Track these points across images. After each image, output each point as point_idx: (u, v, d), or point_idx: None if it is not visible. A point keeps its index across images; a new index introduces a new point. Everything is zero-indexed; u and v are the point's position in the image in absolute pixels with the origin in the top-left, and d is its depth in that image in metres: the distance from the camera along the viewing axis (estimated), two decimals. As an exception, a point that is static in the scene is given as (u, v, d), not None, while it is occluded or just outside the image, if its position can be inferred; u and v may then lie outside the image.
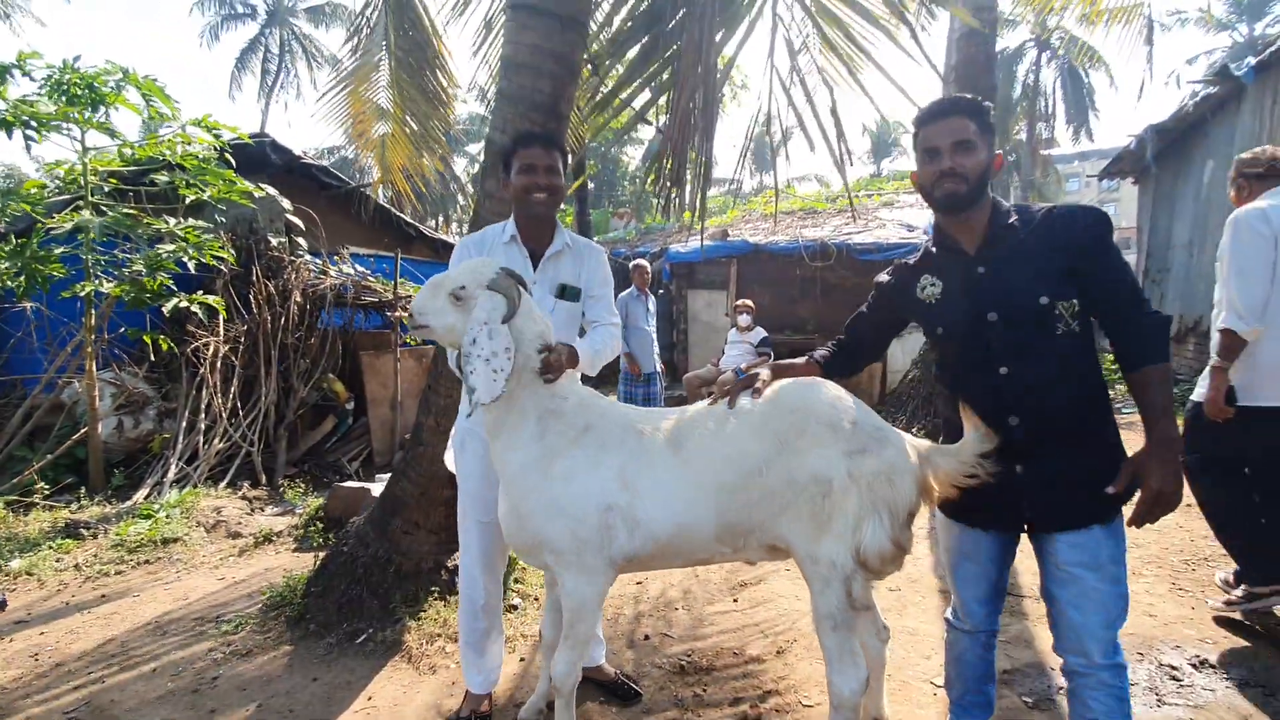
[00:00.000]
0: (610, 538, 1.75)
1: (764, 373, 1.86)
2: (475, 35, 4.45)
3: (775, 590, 3.31)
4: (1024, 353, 1.61)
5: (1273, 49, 7.39)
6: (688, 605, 3.19)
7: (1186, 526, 3.88)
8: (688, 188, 2.99)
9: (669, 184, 2.76)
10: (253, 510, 4.81)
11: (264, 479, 5.36)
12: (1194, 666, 2.53)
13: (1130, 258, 6.77)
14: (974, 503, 1.71)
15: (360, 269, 6.94)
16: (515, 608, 3.14)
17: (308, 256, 6.73)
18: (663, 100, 3.22)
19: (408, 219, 9.06)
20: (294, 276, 6.29)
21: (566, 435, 1.80)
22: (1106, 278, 1.57)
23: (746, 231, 9.74)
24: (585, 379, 2.13)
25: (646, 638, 2.88)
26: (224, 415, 5.48)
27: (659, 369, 6.05)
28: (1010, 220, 1.65)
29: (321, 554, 3.39)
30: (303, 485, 5.26)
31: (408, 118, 5.20)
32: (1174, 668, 2.52)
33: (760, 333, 7.30)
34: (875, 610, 2.04)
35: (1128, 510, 1.63)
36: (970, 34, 6.01)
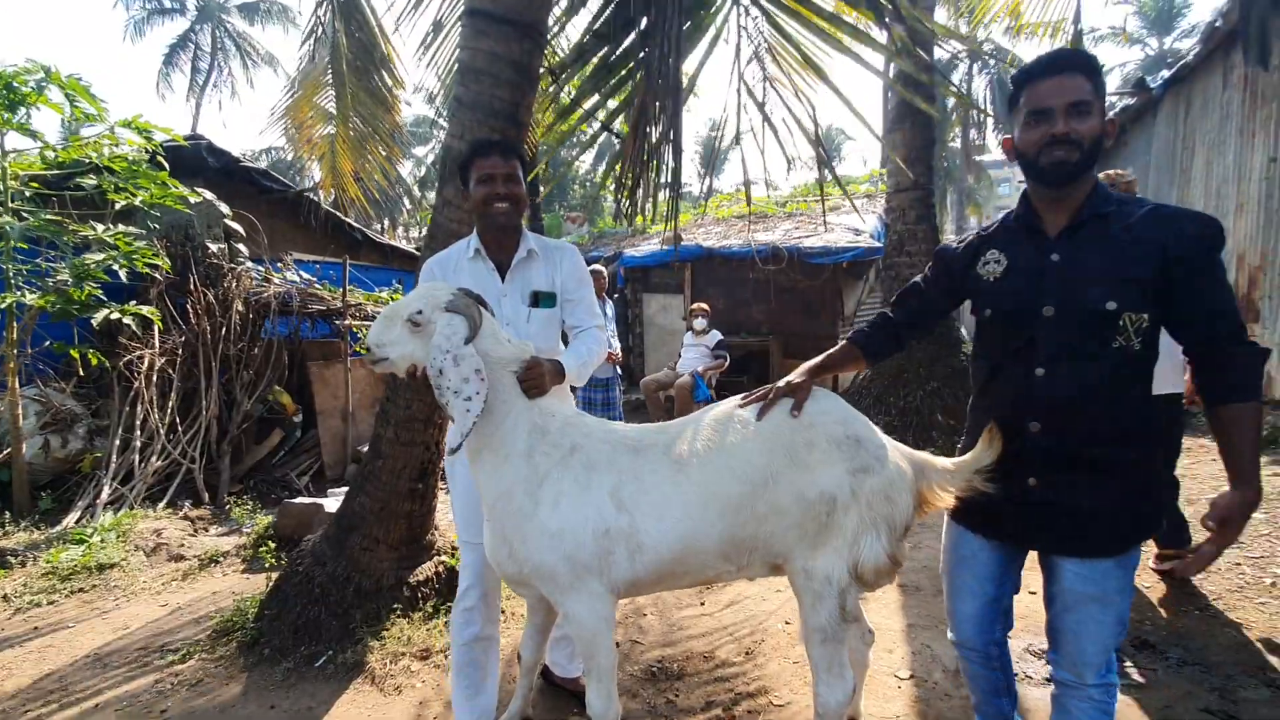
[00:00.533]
0: (610, 563, 1.67)
1: (802, 379, 1.76)
2: (423, 37, 4.37)
3: (741, 592, 3.35)
4: (1068, 358, 1.44)
5: (1183, 62, 7.91)
6: (658, 611, 3.20)
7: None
8: (645, 193, 3.03)
9: (628, 194, 2.77)
10: (196, 531, 4.59)
11: (207, 497, 5.11)
12: (1135, 647, 2.67)
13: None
14: (979, 505, 1.61)
15: (306, 276, 6.71)
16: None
17: (249, 263, 6.46)
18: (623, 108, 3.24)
19: (352, 223, 8.81)
20: (235, 284, 6.03)
21: (553, 456, 1.72)
22: (1197, 297, 1.37)
23: (699, 235, 9.84)
24: None
25: (618, 645, 2.87)
26: (162, 431, 5.20)
27: (618, 374, 6.05)
28: (1107, 209, 1.44)
29: (274, 575, 3.25)
30: (250, 503, 5.04)
31: (356, 120, 5.07)
32: (1116, 650, 2.66)
33: (716, 335, 7.36)
34: (862, 616, 2.05)
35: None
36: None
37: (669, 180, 2.71)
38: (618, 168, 2.94)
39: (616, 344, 6.20)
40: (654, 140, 2.58)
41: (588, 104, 2.95)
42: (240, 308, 5.90)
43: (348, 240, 8.33)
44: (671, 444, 1.75)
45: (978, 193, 29.77)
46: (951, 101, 24.25)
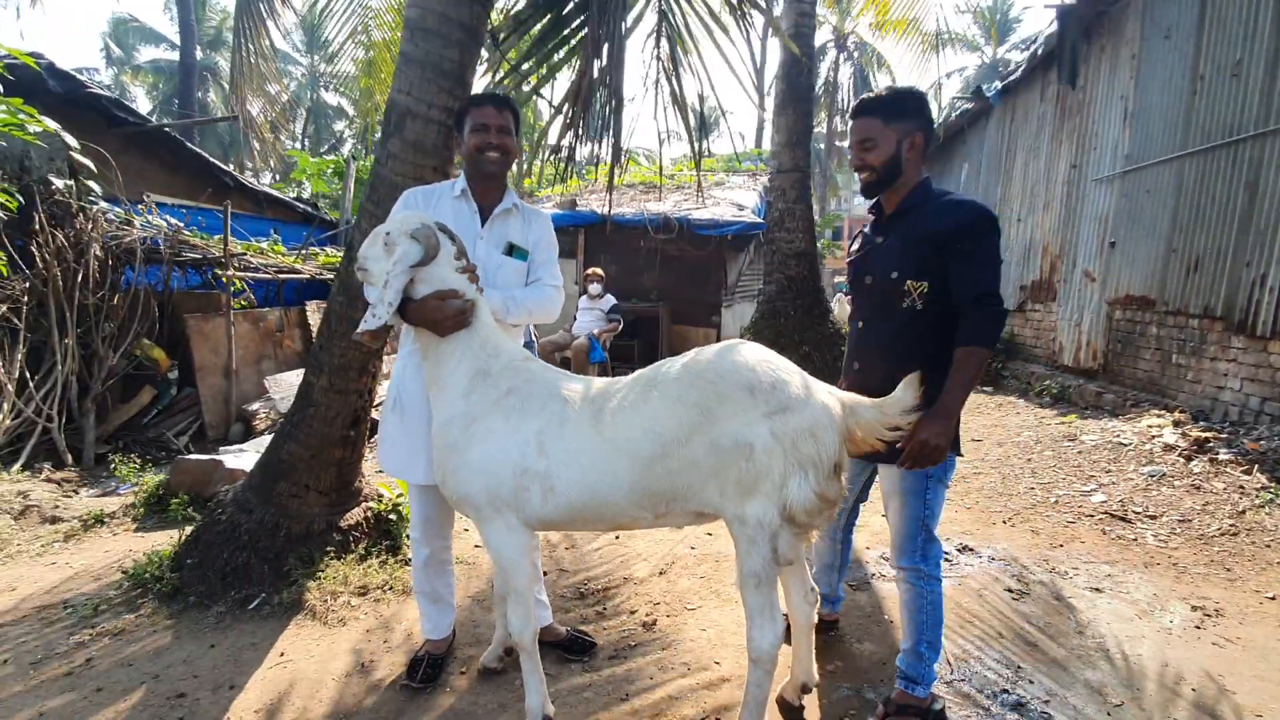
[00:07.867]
0: (525, 500, 1.82)
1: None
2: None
3: (650, 526, 3.76)
4: (875, 315, 1.99)
5: (1012, 77, 9.17)
6: (572, 544, 3.53)
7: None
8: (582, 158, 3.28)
9: (569, 157, 3.03)
10: (66, 493, 4.27)
11: (70, 459, 4.73)
12: (959, 550, 3.40)
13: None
14: None
15: (172, 220, 6.17)
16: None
17: (103, 204, 5.85)
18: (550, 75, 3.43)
19: (224, 166, 8.12)
20: (89, 226, 5.46)
21: (490, 396, 1.87)
22: (957, 269, 1.79)
23: (593, 202, 10.04)
24: None
25: (546, 573, 3.18)
26: (10, 387, 4.70)
27: (534, 340, 6.19)
28: (914, 203, 1.92)
29: (185, 530, 3.20)
30: (137, 461, 4.73)
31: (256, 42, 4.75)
32: (948, 554, 3.38)
33: (610, 300, 7.70)
34: (806, 573, 2.12)
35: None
36: (795, 37, 6.82)
37: (611, 146, 2.96)
38: (561, 140, 3.16)
39: None
40: (596, 108, 2.83)
41: (527, 70, 3.12)
42: (98, 253, 5.38)
43: (215, 184, 7.66)
44: (597, 398, 1.87)
45: (838, 176, 32.16)
46: (820, 87, 25.91)
